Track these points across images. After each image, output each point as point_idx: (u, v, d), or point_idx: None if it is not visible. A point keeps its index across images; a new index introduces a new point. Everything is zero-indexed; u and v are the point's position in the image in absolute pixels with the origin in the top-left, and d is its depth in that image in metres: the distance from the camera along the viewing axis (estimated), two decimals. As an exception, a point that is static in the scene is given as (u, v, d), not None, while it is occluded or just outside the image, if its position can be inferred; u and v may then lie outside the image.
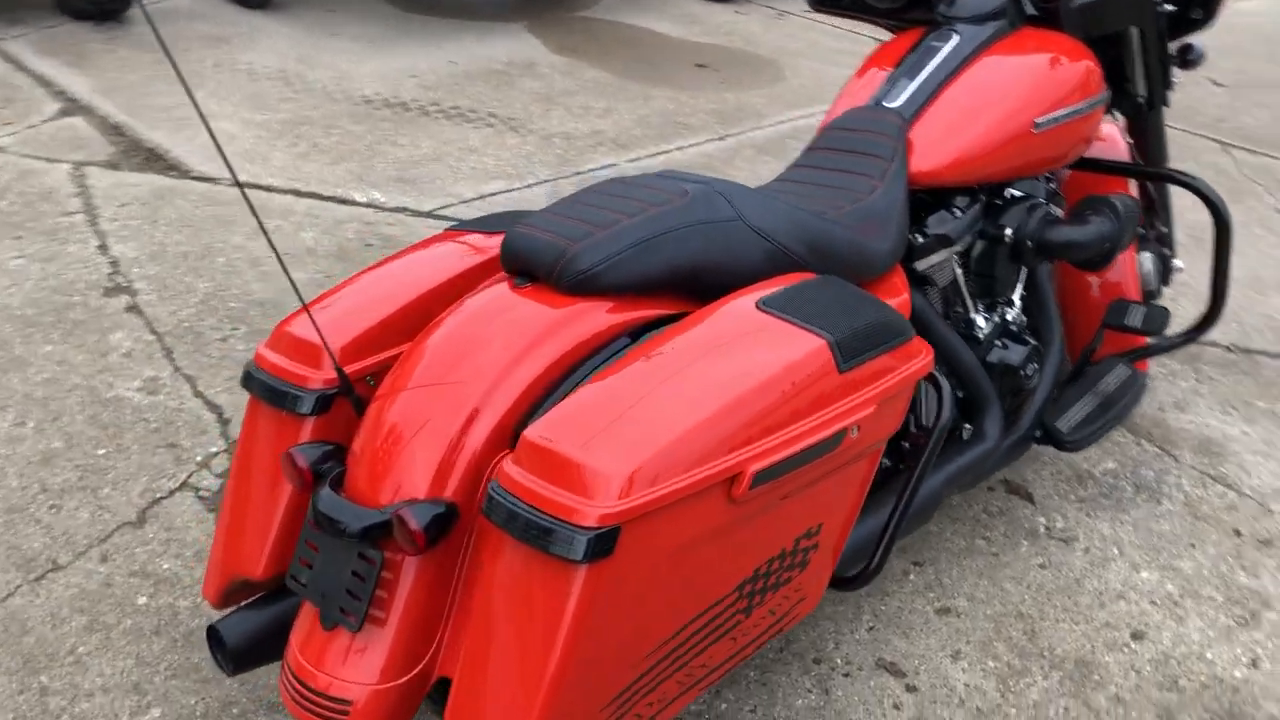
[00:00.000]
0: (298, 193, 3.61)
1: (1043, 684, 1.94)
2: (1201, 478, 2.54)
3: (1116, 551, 2.29)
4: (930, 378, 1.62)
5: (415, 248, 1.73)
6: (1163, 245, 2.66)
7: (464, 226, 1.78)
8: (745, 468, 1.29)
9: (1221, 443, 2.67)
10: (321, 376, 1.51)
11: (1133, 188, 2.54)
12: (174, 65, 1.31)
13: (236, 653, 1.52)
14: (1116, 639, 2.05)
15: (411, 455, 1.38)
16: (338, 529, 1.35)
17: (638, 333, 1.51)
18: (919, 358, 1.51)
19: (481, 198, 3.66)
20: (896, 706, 1.87)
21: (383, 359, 1.56)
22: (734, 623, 1.44)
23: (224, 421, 2.46)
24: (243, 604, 1.57)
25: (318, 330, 1.47)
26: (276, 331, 1.59)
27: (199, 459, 2.34)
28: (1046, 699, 1.91)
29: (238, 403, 2.52)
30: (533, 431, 1.28)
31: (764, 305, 1.46)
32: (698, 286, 1.57)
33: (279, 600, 1.57)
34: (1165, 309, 2.25)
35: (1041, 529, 2.34)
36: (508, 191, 3.74)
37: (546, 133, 4.24)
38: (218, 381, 2.60)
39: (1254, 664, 2.01)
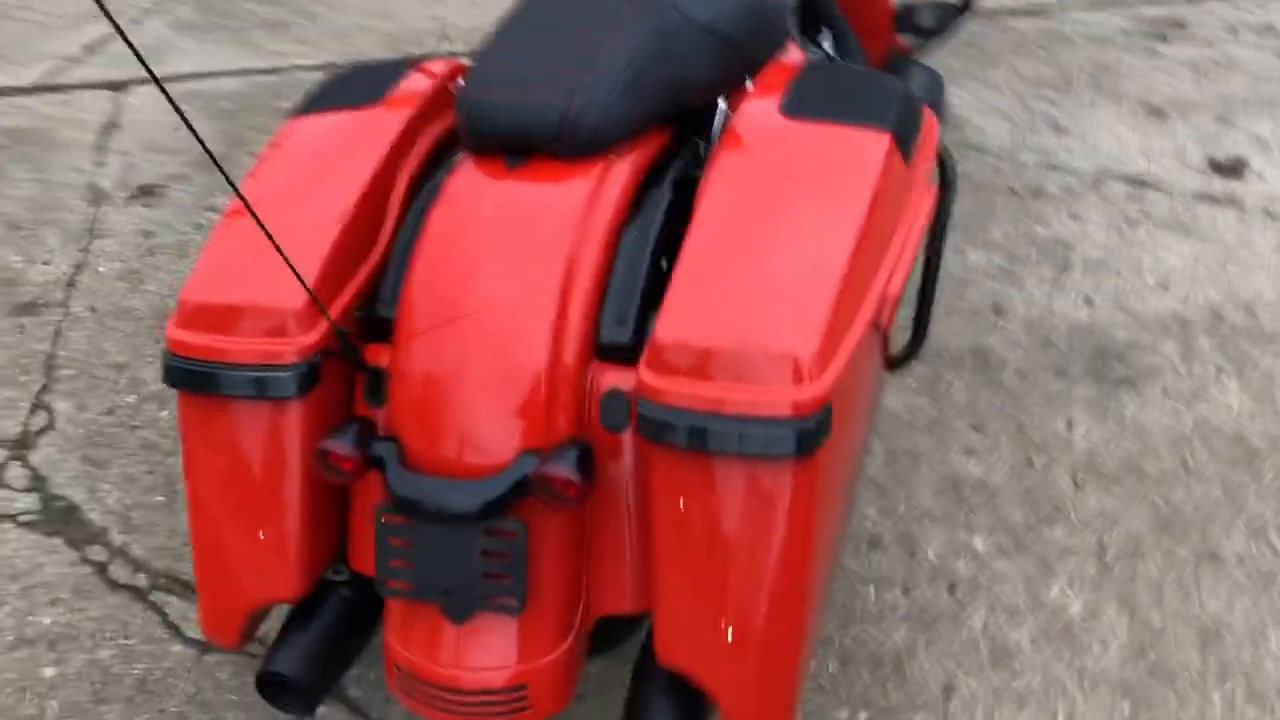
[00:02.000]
0: None
1: (959, 383, 2.03)
2: (957, 148, 2.68)
3: (936, 241, 2.39)
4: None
5: (281, 142, 1.37)
6: None
7: (319, 104, 1.42)
8: (888, 294, 1.18)
9: (954, 114, 2.82)
10: (295, 345, 1.18)
11: None
12: None
13: (311, 688, 1.24)
14: (988, 321, 2.18)
15: (490, 401, 1.12)
16: (449, 514, 1.10)
17: (649, 182, 1.30)
18: (934, 126, 1.42)
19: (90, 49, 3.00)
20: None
21: (348, 300, 1.25)
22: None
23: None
24: (285, 634, 1.28)
25: (299, 278, 1.13)
26: (188, 305, 1.21)
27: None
28: (971, 394, 2.01)
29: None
30: (671, 332, 1.07)
31: (791, 112, 1.28)
32: (670, 109, 1.36)
33: (316, 610, 1.29)
34: (950, 5, 2.28)
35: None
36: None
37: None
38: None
39: (1089, 303, 2.22)
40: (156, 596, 1.66)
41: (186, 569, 1.69)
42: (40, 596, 1.66)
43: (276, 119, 2.73)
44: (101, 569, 1.70)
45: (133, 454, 1.89)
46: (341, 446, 1.14)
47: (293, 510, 1.22)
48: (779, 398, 1.04)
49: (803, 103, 1.29)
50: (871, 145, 1.23)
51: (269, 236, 1.10)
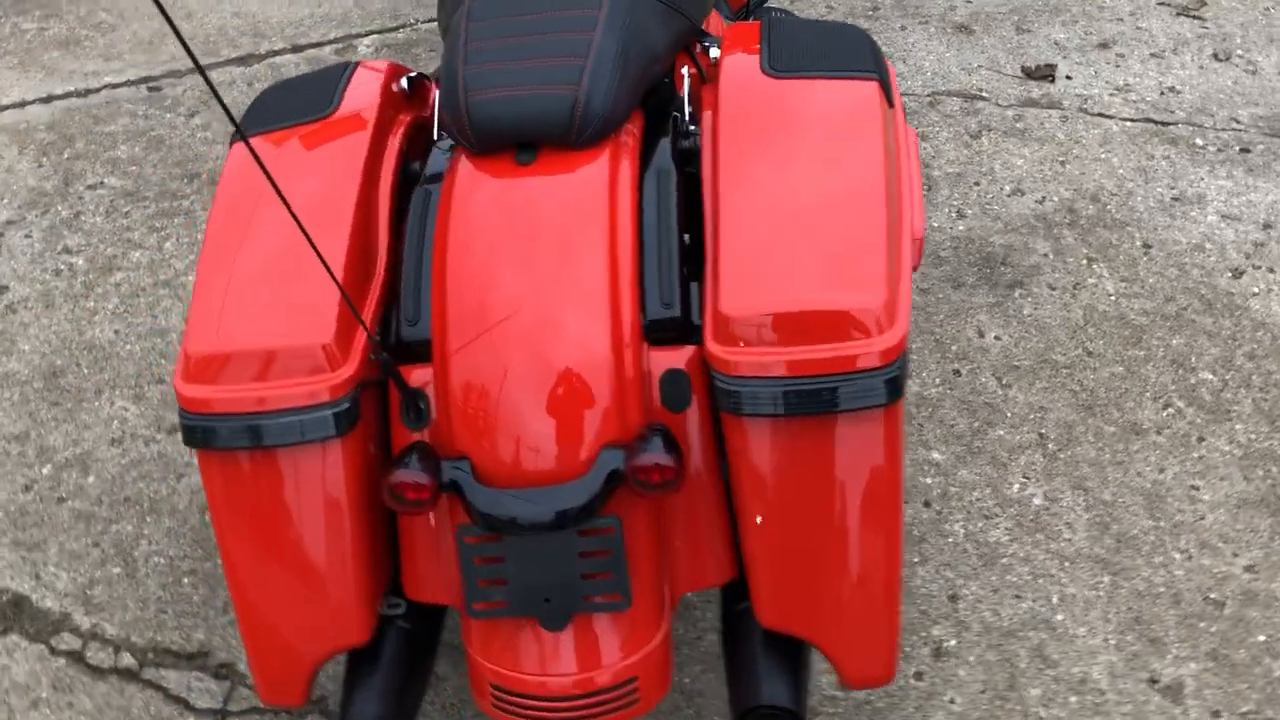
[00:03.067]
0: None
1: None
2: None
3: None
4: None
5: (239, 170, 1.27)
6: None
7: (264, 124, 1.33)
8: (916, 234, 1.22)
9: None
10: (330, 381, 1.12)
11: None
12: None
13: None
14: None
15: (558, 402, 1.10)
16: (550, 522, 1.08)
17: (644, 158, 1.27)
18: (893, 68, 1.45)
19: None
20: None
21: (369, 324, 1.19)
22: None
23: None
24: (356, 679, 1.22)
25: (351, 306, 1.08)
26: (198, 357, 1.13)
27: None
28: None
29: None
30: (736, 304, 1.08)
31: (775, 72, 1.28)
32: (646, 84, 1.34)
33: (380, 649, 1.24)
34: None
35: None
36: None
37: None
38: None
39: (962, 215, 2.35)
40: (150, 673, 1.54)
41: (173, 637, 1.58)
42: (18, 701, 1.52)
43: (110, 145, 2.52)
44: (77, 657, 1.57)
45: (68, 528, 1.73)
46: (414, 476, 1.09)
47: (350, 552, 1.16)
48: (865, 350, 1.06)
49: (782, 60, 1.29)
50: (864, 94, 1.25)
51: (326, 267, 1.04)
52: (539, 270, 1.13)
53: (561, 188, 1.18)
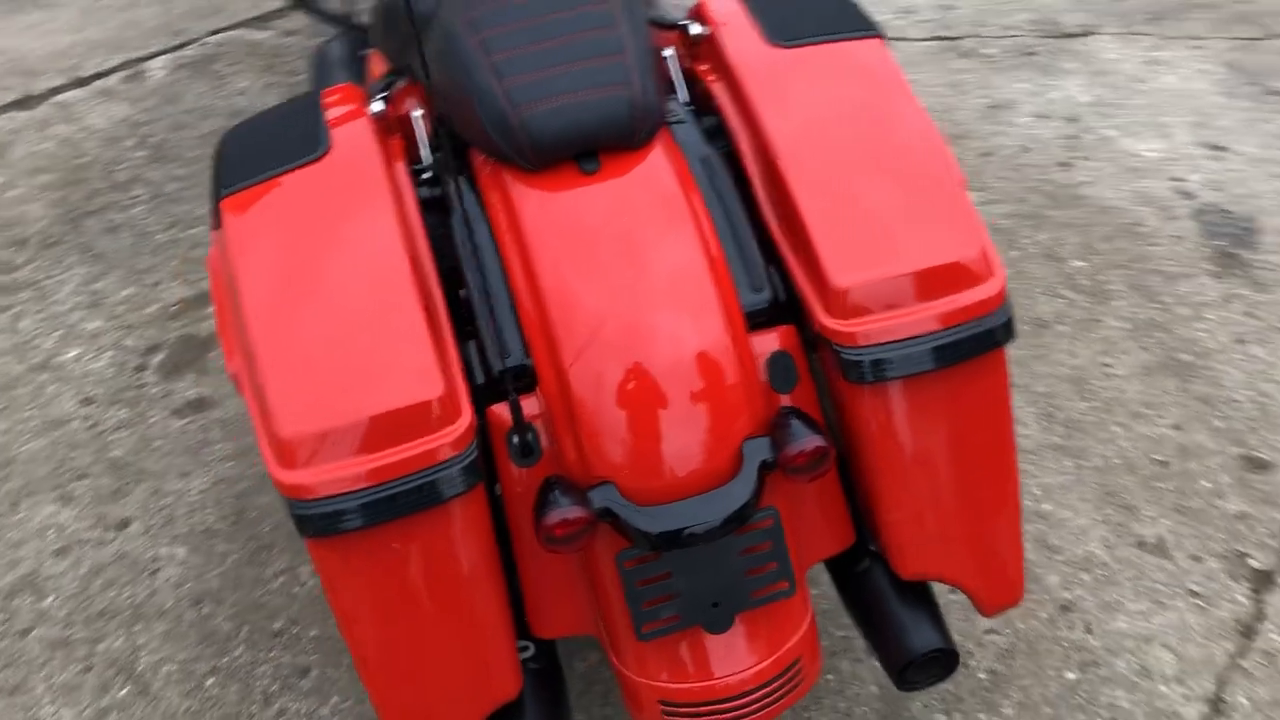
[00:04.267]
0: None
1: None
2: None
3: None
4: None
5: (246, 229, 1.14)
6: None
7: (249, 176, 1.20)
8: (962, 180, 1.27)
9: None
10: (450, 437, 1.03)
11: None
12: None
13: None
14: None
15: (692, 406, 1.08)
16: (720, 527, 1.06)
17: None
18: None
19: None
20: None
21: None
22: None
23: None
24: None
25: (461, 351, 1.02)
26: (297, 440, 1.02)
27: None
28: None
29: None
30: (846, 277, 1.08)
31: (779, 42, 1.26)
32: None
33: (523, 697, 1.20)
34: None
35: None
36: None
37: None
38: None
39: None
40: (214, 789, 1.41)
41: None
42: None
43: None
44: (123, 796, 1.41)
45: (46, 661, 1.54)
46: (569, 513, 1.04)
47: (494, 605, 1.11)
48: (979, 297, 1.08)
49: (780, 31, 1.28)
50: (874, 51, 1.26)
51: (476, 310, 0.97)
52: (640, 277, 1.09)
53: (636, 189, 1.14)
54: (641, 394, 1.07)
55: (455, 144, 1.26)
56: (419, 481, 1.02)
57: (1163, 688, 1.48)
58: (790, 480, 1.11)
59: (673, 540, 1.06)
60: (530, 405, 1.12)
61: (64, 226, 2.19)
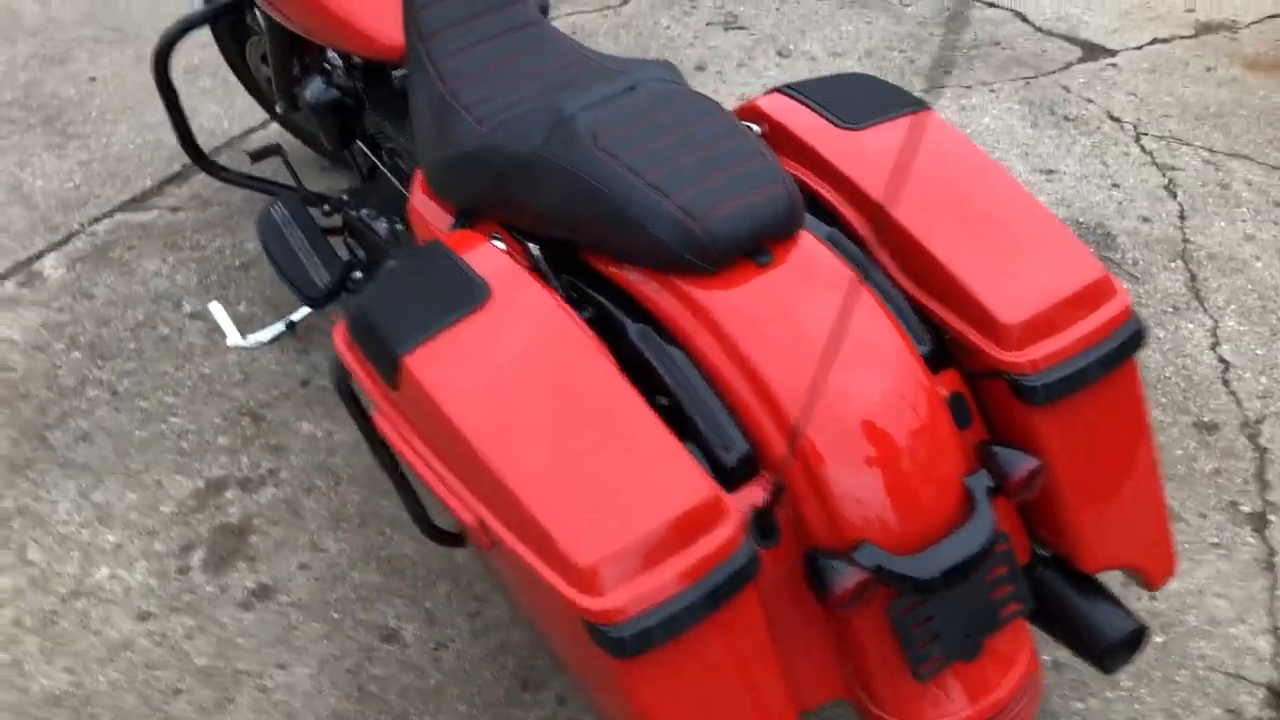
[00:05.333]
0: None
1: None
2: None
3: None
4: None
5: (462, 387, 1.18)
6: None
7: (424, 330, 1.23)
8: None
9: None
10: (730, 528, 1.10)
11: None
12: None
13: None
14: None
15: (922, 457, 1.19)
16: (979, 557, 1.17)
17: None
18: None
19: None
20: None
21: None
22: None
23: None
24: None
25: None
26: (601, 565, 1.05)
27: None
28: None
29: None
30: (1009, 314, 1.24)
31: (848, 125, 1.42)
32: None
33: None
34: None
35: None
36: None
37: None
38: None
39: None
40: None
41: None
42: None
43: None
44: None
45: None
46: (850, 578, 1.14)
47: (779, 681, 1.17)
48: (1114, 311, 1.26)
49: (842, 116, 1.44)
50: (935, 120, 1.43)
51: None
52: (845, 353, 1.19)
53: (811, 272, 1.26)
54: (879, 454, 1.18)
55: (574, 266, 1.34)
56: (725, 573, 1.08)
57: (1232, 630, 1.71)
58: (1014, 501, 1.24)
59: (942, 581, 1.15)
60: (754, 490, 1.19)
61: (29, 446, 2.03)
